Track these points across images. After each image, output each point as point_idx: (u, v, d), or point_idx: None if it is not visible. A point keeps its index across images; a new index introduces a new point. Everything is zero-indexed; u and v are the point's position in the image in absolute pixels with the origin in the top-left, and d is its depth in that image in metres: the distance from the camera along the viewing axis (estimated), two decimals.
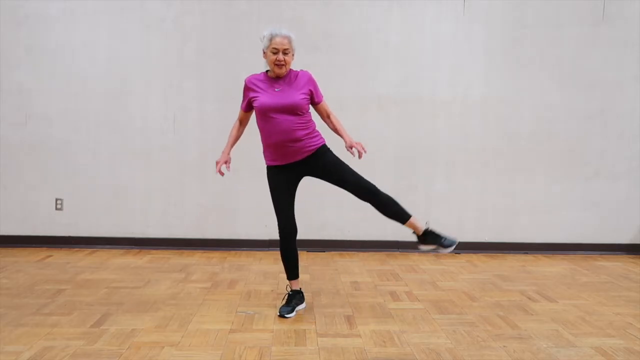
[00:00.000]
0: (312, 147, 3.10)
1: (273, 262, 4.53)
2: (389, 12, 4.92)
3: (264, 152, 3.18)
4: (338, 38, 4.88)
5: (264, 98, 3.05)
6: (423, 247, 3.25)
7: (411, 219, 3.16)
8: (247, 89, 3.16)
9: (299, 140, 3.05)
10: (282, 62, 3.02)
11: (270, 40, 3.02)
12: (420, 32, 4.95)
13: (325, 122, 3.26)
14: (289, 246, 3.22)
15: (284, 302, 3.24)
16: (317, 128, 3.17)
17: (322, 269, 4.35)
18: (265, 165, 3.20)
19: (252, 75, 3.18)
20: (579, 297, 3.68)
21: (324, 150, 3.14)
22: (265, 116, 3.05)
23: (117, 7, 4.83)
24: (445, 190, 5.04)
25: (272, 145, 3.08)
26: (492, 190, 5.05)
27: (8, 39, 4.80)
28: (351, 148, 3.11)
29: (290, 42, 3.03)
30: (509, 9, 4.94)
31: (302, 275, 4.10)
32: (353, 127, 4.86)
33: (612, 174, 5.07)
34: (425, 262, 4.64)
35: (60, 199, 4.93)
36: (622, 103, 5.03)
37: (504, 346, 2.77)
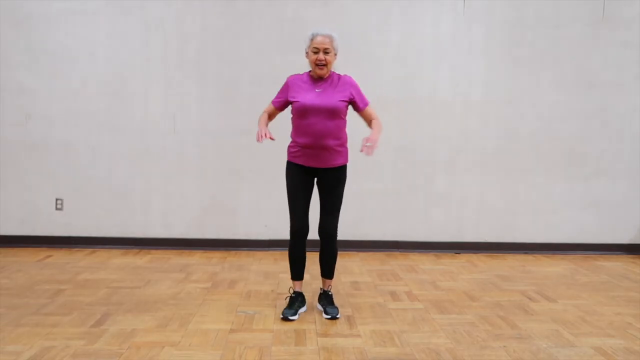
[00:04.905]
0: (336, 163, 3.11)
1: (273, 262, 4.53)
2: (389, 12, 4.92)
3: (290, 147, 3.16)
4: (338, 38, 4.87)
5: (304, 98, 3.03)
6: (319, 304, 3.33)
7: (332, 280, 3.35)
8: (287, 87, 3.13)
9: (328, 148, 3.05)
10: (323, 62, 3.01)
11: (312, 39, 3.03)
12: (420, 32, 4.94)
13: (369, 127, 3.18)
14: (298, 246, 3.22)
15: (286, 304, 3.24)
16: (347, 144, 3.19)
17: None
18: (286, 161, 3.18)
19: (295, 74, 3.16)
20: (579, 297, 3.69)
21: (342, 169, 3.16)
22: (303, 116, 3.04)
23: (117, 7, 4.83)
24: (445, 190, 5.04)
25: (302, 144, 3.07)
26: (492, 190, 5.05)
27: (8, 39, 4.80)
28: (366, 142, 2.94)
29: (331, 41, 3.02)
30: (508, 9, 4.94)
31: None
32: (353, 127, 4.88)
33: (612, 174, 5.07)
34: (425, 262, 4.64)
35: (60, 199, 4.92)
36: (622, 103, 5.03)
37: (504, 346, 2.77)
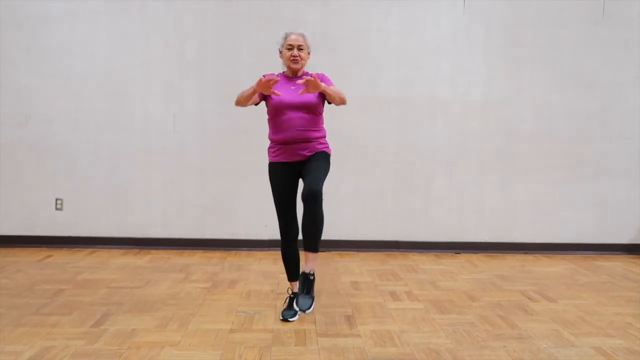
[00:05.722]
0: (319, 147, 3.10)
1: (273, 262, 4.53)
2: (389, 12, 4.92)
3: (270, 148, 3.17)
4: (338, 38, 4.88)
5: (280, 94, 3.04)
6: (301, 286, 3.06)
7: (316, 255, 3.02)
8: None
9: (309, 140, 3.07)
10: (297, 58, 3.07)
11: (285, 38, 3.10)
12: (420, 32, 4.95)
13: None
14: (290, 247, 3.22)
15: (285, 305, 3.23)
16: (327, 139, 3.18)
17: (322, 269, 4.35)
18: (268, 162, 3.19)
19: (269, 74, 3.16)
20: (579, 297, 3.68)
21: (323, 152, 3.12)
22: (280, 112, 3.05)
23: (117, 7, 4.83)
24: (445, 190, 5.04)
25: (282, 141, 3.07)
26: (492, 190, 5.06)
27: (8, 39, 4.80)
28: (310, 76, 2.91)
29: (304, 39, 3.10)
30: (509, 9, 4.94)
31: None
32: (353, 127, 4.89)
33: (612, 174, 5.07)
34: (425, 262, 4.64)
35: (60, 199, 4.92)
36: (622, 103, 5.03)
37: (504, 346, 2.77)
